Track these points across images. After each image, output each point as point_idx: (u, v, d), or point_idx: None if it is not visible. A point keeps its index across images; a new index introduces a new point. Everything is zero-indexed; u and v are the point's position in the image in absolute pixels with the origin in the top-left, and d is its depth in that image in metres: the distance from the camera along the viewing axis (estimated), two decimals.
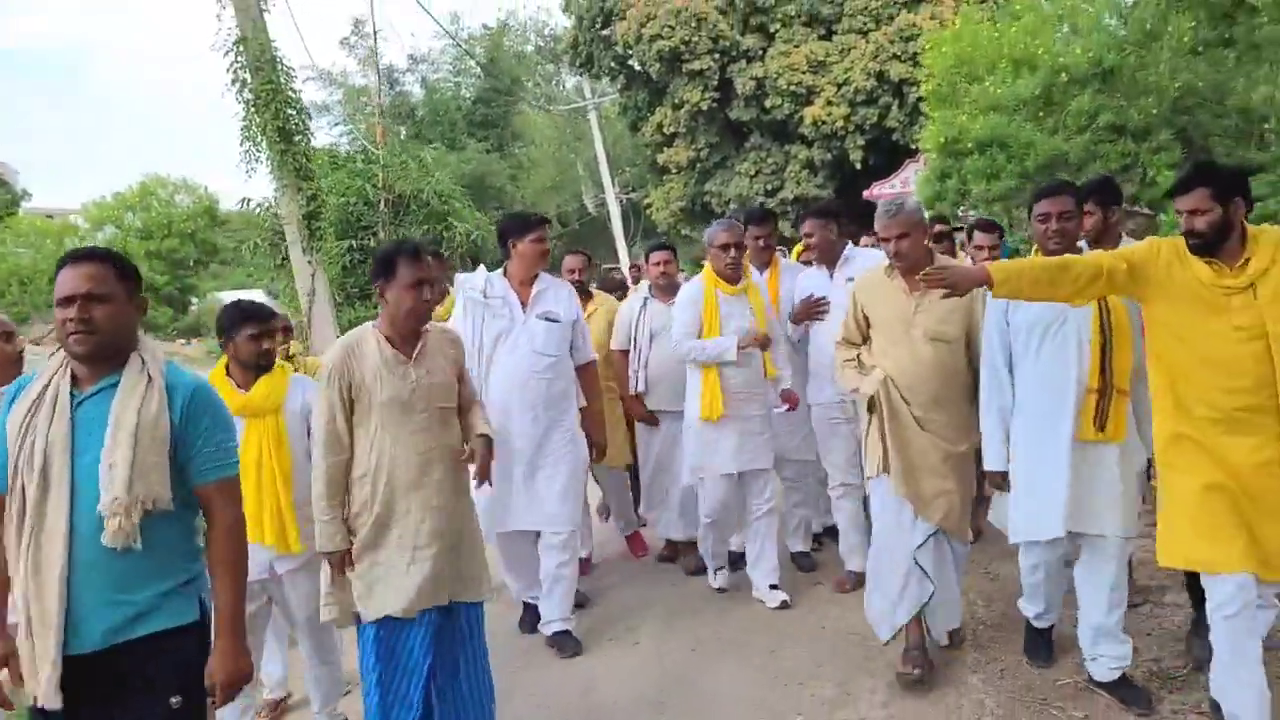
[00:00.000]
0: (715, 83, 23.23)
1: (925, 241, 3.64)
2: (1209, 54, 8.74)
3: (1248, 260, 2.81)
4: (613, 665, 4.11)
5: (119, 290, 2.20)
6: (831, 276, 4.62)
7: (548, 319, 4.23)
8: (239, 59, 9.04)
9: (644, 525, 5.69)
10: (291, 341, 4.34)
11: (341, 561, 3.05)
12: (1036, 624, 3.68)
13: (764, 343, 4.37)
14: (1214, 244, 2.84)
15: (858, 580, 4.44)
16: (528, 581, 4.46)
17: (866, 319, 3.71)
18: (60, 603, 2.09)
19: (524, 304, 4.23)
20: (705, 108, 23.45)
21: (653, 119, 24.89)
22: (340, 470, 3.03)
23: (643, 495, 5.46)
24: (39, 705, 2.15)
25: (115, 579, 2.15)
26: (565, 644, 4.26)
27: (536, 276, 4.29)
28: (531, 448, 4.16)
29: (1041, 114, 9.11)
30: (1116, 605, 3.32)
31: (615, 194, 27.21)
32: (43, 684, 2.12)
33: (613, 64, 25.51)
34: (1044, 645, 3.70)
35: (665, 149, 25.13)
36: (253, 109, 9.10)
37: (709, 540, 4.69)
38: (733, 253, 4.32)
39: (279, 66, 9.18)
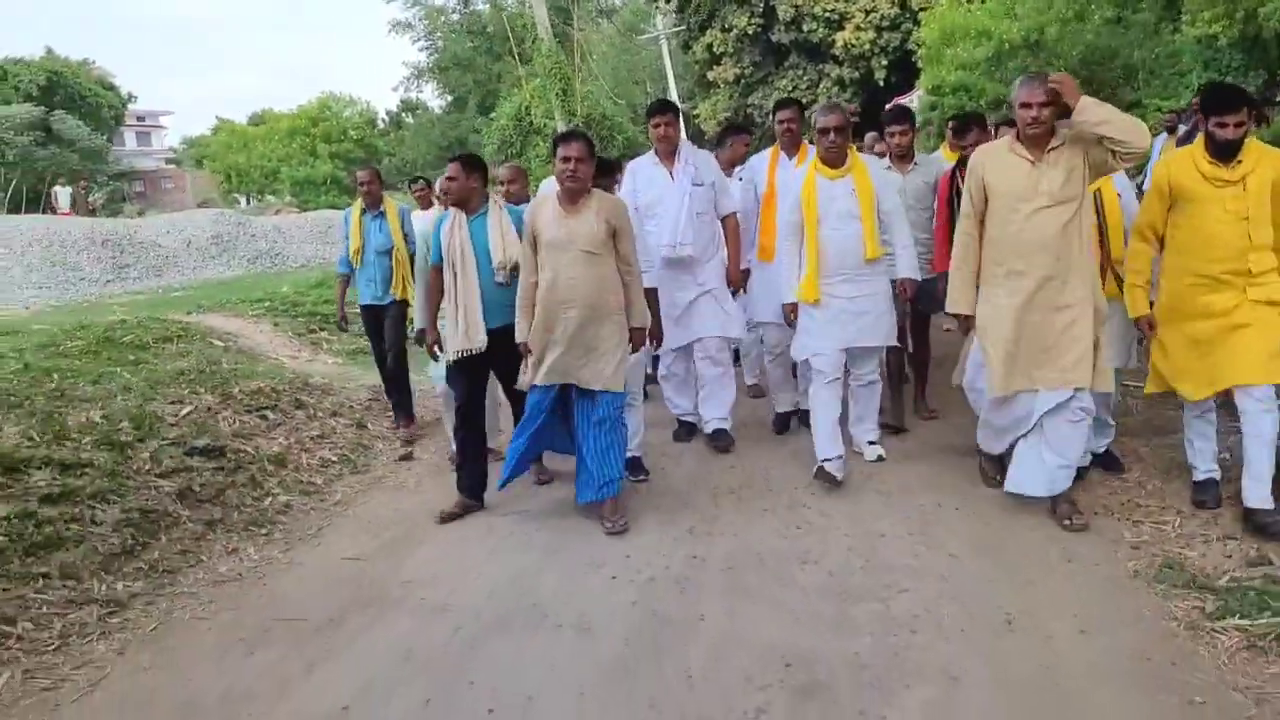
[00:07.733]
0: (760, 9, 26.59)
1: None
2: (1107, 28, 13.12)
3: (1240, 162, 3.46)
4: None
5: (473, 179, 4.30)
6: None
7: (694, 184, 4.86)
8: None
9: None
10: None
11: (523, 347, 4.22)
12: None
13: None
14: (1239, 148, 3.44)
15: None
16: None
17: (986, 190, 3.73)
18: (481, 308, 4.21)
19: (670, 173, 4.88)
20: (751, 31, 26.92)
21: (703, 40, 28.31)
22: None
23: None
24: (462, 356, 4.23)
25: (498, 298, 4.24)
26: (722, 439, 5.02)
27: (676, 150, 4.91)
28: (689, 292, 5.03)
29: (993, 70, 13.51)
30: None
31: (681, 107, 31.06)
32: (476, 342, 4.18)
33: None
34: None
35: (714, 66, 28.55)
36: (545, 86, 19.68)
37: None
38: (833, 136, 4.28)
39: (562, 62, 20.50)
